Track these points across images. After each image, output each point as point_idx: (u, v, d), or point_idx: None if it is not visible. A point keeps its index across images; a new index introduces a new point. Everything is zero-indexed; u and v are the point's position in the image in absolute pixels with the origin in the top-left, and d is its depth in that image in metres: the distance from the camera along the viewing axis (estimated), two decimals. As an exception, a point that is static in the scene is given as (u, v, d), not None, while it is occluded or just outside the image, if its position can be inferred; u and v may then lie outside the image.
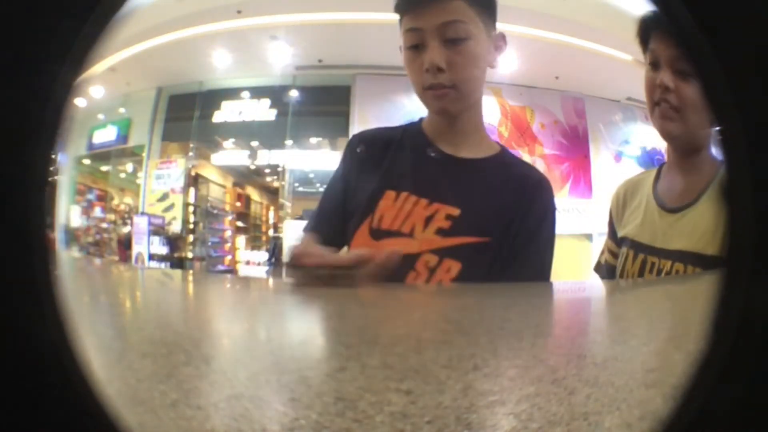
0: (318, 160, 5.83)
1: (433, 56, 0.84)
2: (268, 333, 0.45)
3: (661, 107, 0.89)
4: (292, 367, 0.31)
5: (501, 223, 0.85)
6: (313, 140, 5.95)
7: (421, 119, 0.95)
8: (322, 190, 1.01)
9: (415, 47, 0.85)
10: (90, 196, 6.43)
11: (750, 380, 0.17)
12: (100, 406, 0.18)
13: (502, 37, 0.90)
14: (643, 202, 1.01)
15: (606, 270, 1.07)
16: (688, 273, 0.86)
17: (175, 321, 0.49)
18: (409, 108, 5.69)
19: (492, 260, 0.84)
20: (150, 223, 5.59)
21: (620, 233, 1.04)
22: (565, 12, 4.48)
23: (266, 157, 5.94)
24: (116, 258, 5.79)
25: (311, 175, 6.14)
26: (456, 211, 0.84)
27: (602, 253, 1.11)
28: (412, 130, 0.95)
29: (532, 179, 0.92)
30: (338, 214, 0.92)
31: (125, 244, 5.84)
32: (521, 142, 5.82)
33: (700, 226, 0.86)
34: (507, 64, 5.46)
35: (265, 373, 0.30)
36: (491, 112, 5.80)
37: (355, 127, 5.56)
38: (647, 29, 0.89)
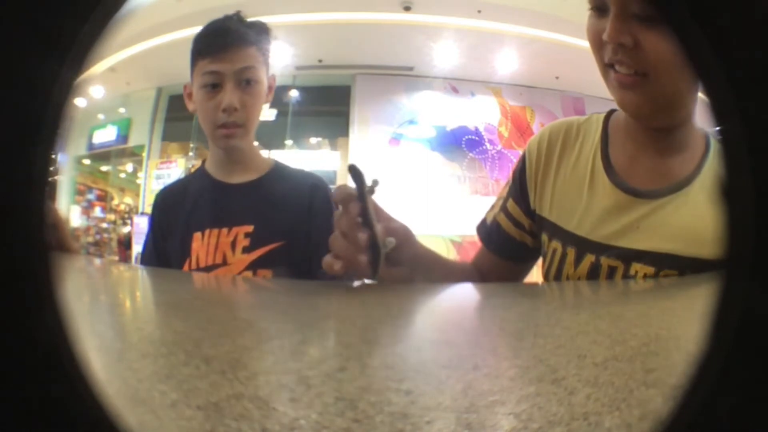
0: (318, 160, 5.84)
1: (231, 98, 0.96)
2: (269, 332, 0.45)
3: (619, 73, 0.61)
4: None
5: (290, 226, 0.97)
6: (313, 140, 5.95)
7: (204, 162, 1.09)
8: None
9: (212, 88, 0.97)
10: (90, 196, 6.43)
11: (750, 380, 0.17)
12: (100, 406, 0.18)
13: (274, 78, 1.05)
14: (586, 173, 0.70)
15: (497, 237, 0.77)
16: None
17: (174, 321, 0.49)
18: (409, 108, 5.69)
19: (297, 259, 0.95)
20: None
21: (538, 207, 0.74)
22: (565, 12, 4.48)
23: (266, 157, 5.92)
24: (116, 258, 5.79)
25: (311, 175, 6.13)
26: (250, 228, 0.96)
27: (494, 209, 0.79)
28: (198, 173, 1.09)
29: (308, 183, 1.04)
30: (155, 257, 1.05)
31: (125, 244, 5.83)
32: (521, 142, 5.82)
33: (699, 221, 0.61)
34: (507, 64, 5.46)
35: (264, 373, 0.30)
36: (491, 112, 5.80)
37: (355, 127, 5.56)
38: None
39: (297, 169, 1.13)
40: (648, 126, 0.68)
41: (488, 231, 0.79)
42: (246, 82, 0.98)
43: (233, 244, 0.97)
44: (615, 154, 0.70)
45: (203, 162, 1.09)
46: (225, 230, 0.98)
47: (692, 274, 0.63)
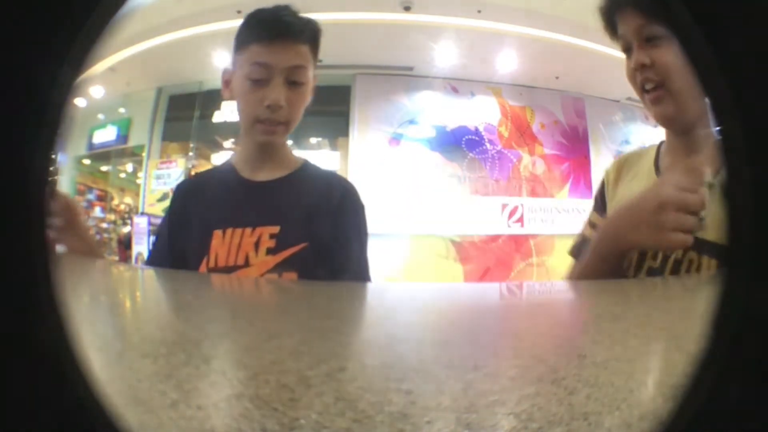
0: (318, 160, 5.84)
1: (278, 95, 0.92)
2: (269, 332, 0.45)
3: (650, 93, 0.81)
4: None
5: (316, 228, 0.94)
6: (313, 140, 5.95)
7: (232, 156, 1.04)
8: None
9: (258, 81, 0.92)
10: (90, 196, 6.43)
11: (750, 380, 0.17)
12: (100, 406, 0.18)
13: (316, 77, 1.01)
14: (644, 182, 0.89)
15: (585, 248, 0.90)
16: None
17: (174, 321, 0.49)
18: (409, 108, 5.69)
19: (317, 262, 0.92)
20: (150, 223, 5.58)
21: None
22: (565, 12, 4.48)
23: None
24: (116, 258, 5.79)
25: (311, 175, 6.12)
26: (276, 229, 0.92)
27: (585, 227, 0.95)
28: (224, 168, 1.04)
29: (336, 184, 1.02)
30: (168, 254, 1.00)
31: (125, 244, 5.83)
32: (521, 142, 5.82)
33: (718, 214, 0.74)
34: (507, 64, 5.46)
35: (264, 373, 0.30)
36: (491, 112, 5.79)
37: (356, 127, 5.56)
38: (611, 14, 0.84)
39: (327, 170, 1.09)
40: (676, 129, 0.86)
41: (578, 246, 0.93)
42: (294, 82, 0.94)
43: (257, 245, 0.92)
44: (662, 165, 0.91)
45: (231, 156, 1.05)
46: (249, 230, 0.93)
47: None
